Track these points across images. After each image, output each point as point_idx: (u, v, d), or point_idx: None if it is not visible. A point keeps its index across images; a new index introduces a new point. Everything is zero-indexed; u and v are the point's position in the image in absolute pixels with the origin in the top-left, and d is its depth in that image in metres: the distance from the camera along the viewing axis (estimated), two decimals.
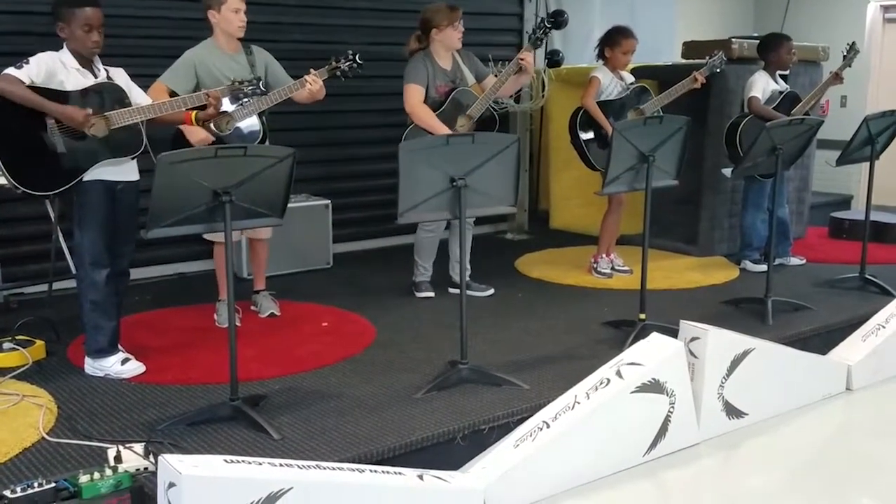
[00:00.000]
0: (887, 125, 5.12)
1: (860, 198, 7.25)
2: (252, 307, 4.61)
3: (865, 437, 3.81)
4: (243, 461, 2.54)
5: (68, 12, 3.47)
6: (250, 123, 4.19)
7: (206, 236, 4.21)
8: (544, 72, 6.63)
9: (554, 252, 6.30)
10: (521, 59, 4.66)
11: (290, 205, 3.39)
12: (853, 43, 5.47)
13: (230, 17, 4.14)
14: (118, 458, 2.76)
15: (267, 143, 4.21)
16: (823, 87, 5.51)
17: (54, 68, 3.45)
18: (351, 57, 4.20)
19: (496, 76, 4.87)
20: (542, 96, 6.82)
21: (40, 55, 3.46)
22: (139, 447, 2.86)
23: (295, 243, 5.41)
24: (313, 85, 4.14)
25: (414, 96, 4.63)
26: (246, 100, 4.02)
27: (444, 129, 4.57)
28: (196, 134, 4.02)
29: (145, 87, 3.94)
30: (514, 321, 4.58)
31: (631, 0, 7.92)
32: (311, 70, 4.16)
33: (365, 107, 6.23)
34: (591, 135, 5.15)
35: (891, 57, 8.25)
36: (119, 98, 3.54)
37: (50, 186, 3.48)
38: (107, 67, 3.63)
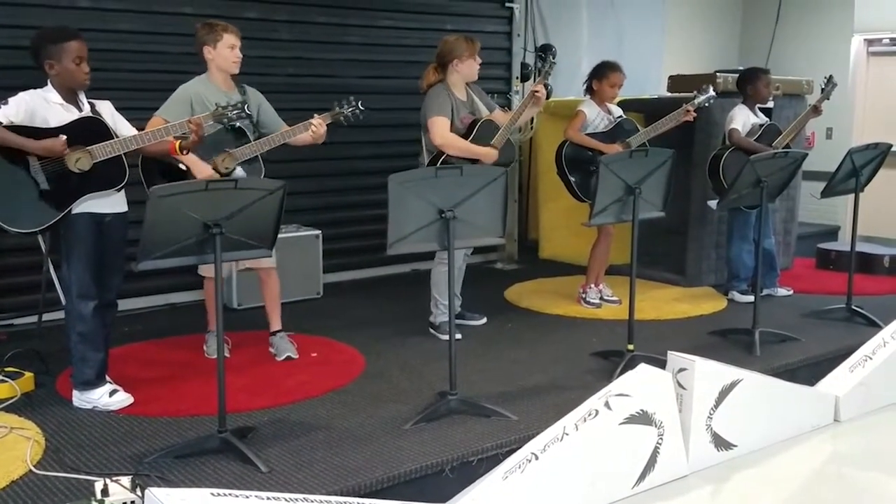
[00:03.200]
0: (871, 158, 5.18)
1: (847, 228, 7.31)
2: (271, 349, 4.48)
3: (854, 469, 3.82)
4: (231, 494, 2.53)
5: (57, 48, 3.48)
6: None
7: (199, 271, 4.20)
8: None
9: (543, 282, 6.33)
10: (536, 92, 4.70)
11: (280, 235, 3.41)
12: (830, 76, 5.56)
13: (226, 53, 4.17)
14: (105, 492, 2.75)
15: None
16: (803, 120, 5.59)
17: (35, 106, 3.46)
18: (354, 103, 4.25)
19: (503, 109, 4.92)
20: (531, 128, 6.89)
21: (21, 95, 3.47)
22: (126, 480, 2.85)
23: (285, 273, 5.36)
24: (318, 128, 4.20)
25: (443, 128, 4.58)
26: (237, 123, 4.02)
27: (482, 151, 4.59)
28: (203, 171, 4.01)
29: (144, 121, 3.96)
30: (503, 351, 4.59)
31: (619, 33, 8.02)
32: (315, 115, 4.21)
33: (356, 138, 6.27)
34: (576, 167, 5.20)
35: (875, 89, 8.36)
36: (102, 131, 3.53)
37: (36, 223, 3.48)
38: (91, 101, 3.64)
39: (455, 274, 3.81)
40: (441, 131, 4.58)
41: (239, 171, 4.13)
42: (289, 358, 4.39)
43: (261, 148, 4.14)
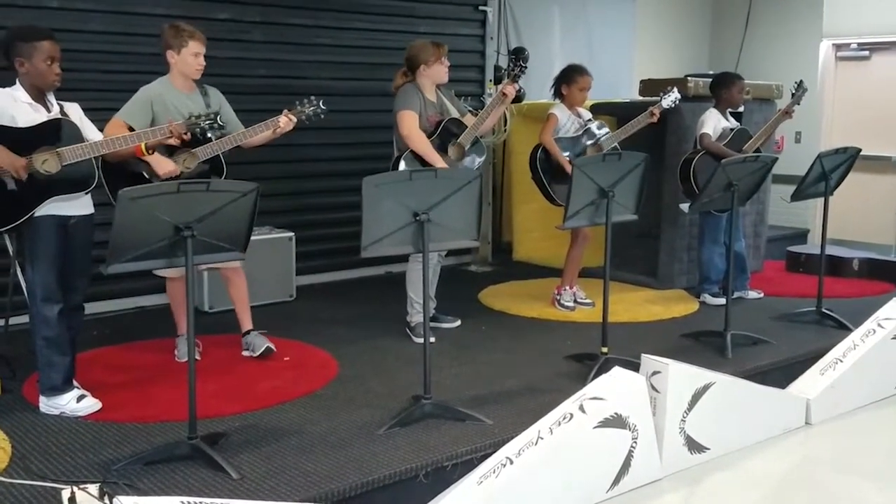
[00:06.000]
0: (840, 162, 5.23)
1: (816, 231, 7.39)
2: (244, 351, 4.45)
3: (825, 472, 3.85)
4: (201, 502, 2.50)
5: (28, 46, 3.44)
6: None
7: (155, 271, 4.07)
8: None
9: (517, 284, 6.33)
10: (504, 94, 4.72)
11: (253, 237, 3.37)
12: (801, 81, 5.62)
13: (189, 60, 4.15)
14: (72, 500, 2.69)
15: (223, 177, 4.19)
16: (773, 124, 5.64)
17: (3, 105, 3.42)
18: (315, 102, 4.23)
19: (472, 113, 4.93)
20: (505, 131, 6.89)
21: None
22: (94, 488, 2.79)
23: (258, 276, 5.35)
24: (286, 127, 4.17)
25: (411, 122, 4.62)
26: (208, 134, 3.98)
27: (438, 160, 4.59)
28: (165, 166, 3.98)
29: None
30: (477, 354, 4.58)
31: (589, 38, 8.05)
32: (285, 110, 4.18)
33: (328, 140, 6.25)
34: (550, 171, 5.21)
35: (843, 94, 8.47)
36: (72, 134, 3.50)
37: (1, 223, 3.43)
38: (60, 102, 3.60)
39: (429, 276, 3.80)
40: (409, 123, 4.62)
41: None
42: (269, 349, 4.37)
43: (222, 147, 4.11)
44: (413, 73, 4.77)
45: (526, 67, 4.83)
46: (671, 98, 5.27)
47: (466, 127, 4.77)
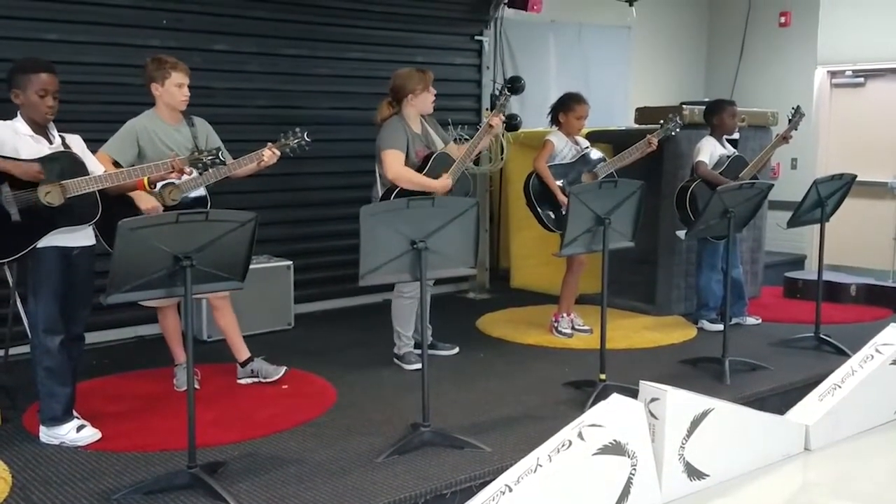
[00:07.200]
0: (836, 188, 5.26)
1: (813, 257, 7.41)
2: (244, 380, 4.47)
3: (825, 497, 3.84)
4: None
5: (24, 78, 3.47)
6: (197, 191, 4.22)
7: (144, 302, 4.08)
8: (503, 135, 6.76)
9: (515, 311, 6.34)
10: (491, 126, 4.72)
11: (251, 266, 3.39)
12: (798, 107, 5.66)
13: (173, 91, 4.17)
14: None
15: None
16: (771, 150, 5.67)
17: (4, 137, 3.44)
18: (300, 134, 4.26)
19: (455, 142, 4.93)
20: (501, 159, 6.93)
21: None
22: None
23: (256, 304, 5.38)
24: (270, 160, 4.20)
25: (396, 162, 4.57)
26: (210, 170, 4.00)
27: (435, 184, 4.56)
28: (147, 202, 4.01)
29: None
30: (475, 381, 4.59)
31: (585, 66, 8.13)
32: (269, 143, 4.21)
33: (326, 169, 6.29)
34: (543, 197, 5.23)
35: (838, 120, 8.54)
36: (76, 166, 3.53)
37: (4, 254, 3.45)
38: (62, 134, 3.62)
39: (420, 305, 3.81)
40: (394, 165, 4.57)
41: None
42: (285, 371, 4.45)
43: (207, 179, 4.13)
44: (399, 103, 4.74)
45: (509, 97, 4.80)
46: (671, 127, 5.30)
47: (454, 161, 4.74)
